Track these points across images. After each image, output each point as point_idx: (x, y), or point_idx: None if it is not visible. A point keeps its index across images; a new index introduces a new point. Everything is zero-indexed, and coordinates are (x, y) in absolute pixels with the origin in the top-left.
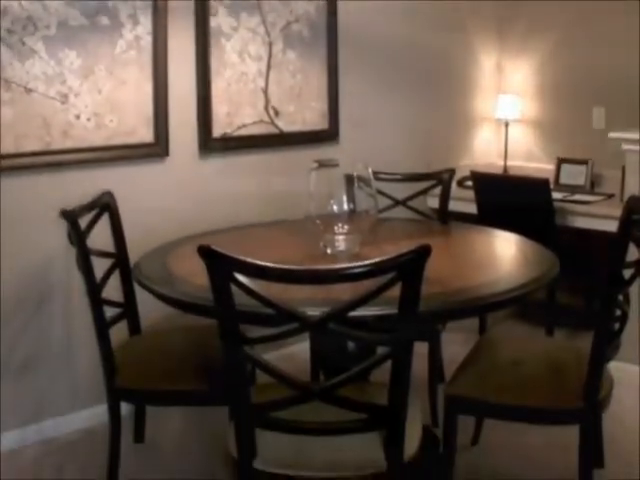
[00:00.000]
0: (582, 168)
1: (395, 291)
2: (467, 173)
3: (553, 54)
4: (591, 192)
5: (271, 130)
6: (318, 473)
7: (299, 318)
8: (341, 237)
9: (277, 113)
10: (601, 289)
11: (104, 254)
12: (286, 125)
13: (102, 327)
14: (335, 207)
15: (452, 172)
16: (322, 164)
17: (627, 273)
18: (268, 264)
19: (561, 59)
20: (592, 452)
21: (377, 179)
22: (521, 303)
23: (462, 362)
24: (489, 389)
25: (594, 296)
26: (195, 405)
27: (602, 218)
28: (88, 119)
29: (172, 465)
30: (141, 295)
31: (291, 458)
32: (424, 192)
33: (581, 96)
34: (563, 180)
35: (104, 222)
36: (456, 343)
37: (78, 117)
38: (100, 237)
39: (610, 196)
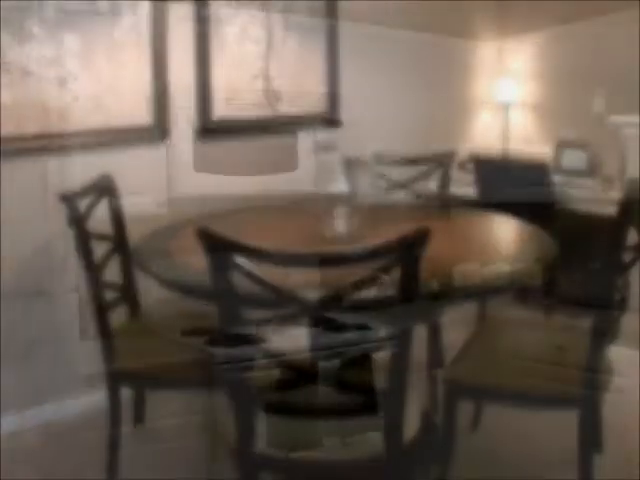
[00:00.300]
0: (582, 152)
1: (395, 275)
2: (467, 156)
3: (554, 38)
4: (591, 176)
5: (271, 114)
6: (316, 457)
7: (298, 301)
8: (341, 220)
9: (277, 97)
10: (601, 273)
11: (103, 237)
12: (286, 109)
13: (101, 311)
14: (335, 190)
15: (452, 155)
16: (322, 147)
17: (627, 257)
18: (267, 247)
19: (562, 43)
20: (591, 437)
21: (377, 162)
22: (520, 287)
23: (461, 347)
24: (488, 374)
25: (594, 280)
26: (194, 389)
27: (602, 202)
28: (87, 102)
29: (172, 449)
30: (140, 279)
31: (289, 442)
32: (424, 175)
33: (581, 80)
34: (563, 164)
35: (103, 205)
36: (455, 327)
37: (77, 100)
38: (99, 220)
39: (610, 180)
